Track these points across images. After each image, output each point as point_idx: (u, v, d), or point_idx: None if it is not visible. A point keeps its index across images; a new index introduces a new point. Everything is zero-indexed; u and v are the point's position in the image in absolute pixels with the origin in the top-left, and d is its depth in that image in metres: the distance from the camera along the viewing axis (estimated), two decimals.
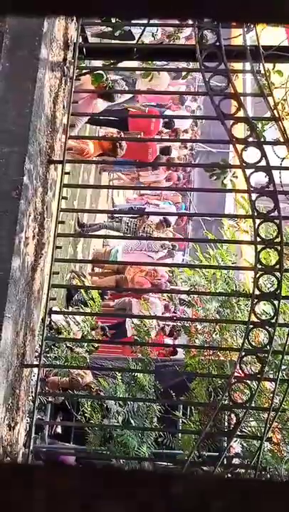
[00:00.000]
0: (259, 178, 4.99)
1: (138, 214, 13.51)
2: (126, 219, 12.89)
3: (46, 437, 8.13)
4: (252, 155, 4.87)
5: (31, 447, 4.76)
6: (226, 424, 6.06)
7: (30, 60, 4.47)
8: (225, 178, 7.01)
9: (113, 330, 10.08)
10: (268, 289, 5.30)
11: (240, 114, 4.96)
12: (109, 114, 11.25)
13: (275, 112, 5.02)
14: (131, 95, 12.40)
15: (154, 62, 7.41)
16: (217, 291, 7.17)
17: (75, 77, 5.20)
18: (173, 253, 13.96)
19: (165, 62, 8.23)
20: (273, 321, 4.85)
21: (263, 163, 4.83)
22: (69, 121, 5.09)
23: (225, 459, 5.33)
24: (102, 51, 6.31)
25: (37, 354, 5.03)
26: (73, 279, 11.17)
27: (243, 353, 4.91)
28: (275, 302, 4.86)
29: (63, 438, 8.59)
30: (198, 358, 7.02)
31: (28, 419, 4.87)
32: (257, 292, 4.90)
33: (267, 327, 4.93)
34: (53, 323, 8.13)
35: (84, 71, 6.23)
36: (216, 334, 7.12)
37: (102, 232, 12.44)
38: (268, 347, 4.87)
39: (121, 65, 6.48)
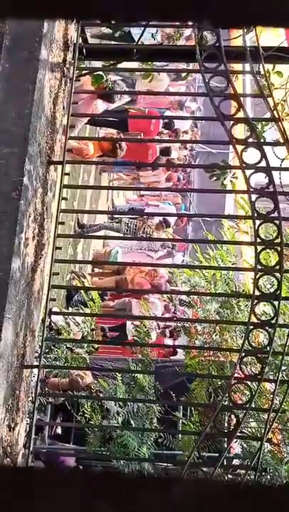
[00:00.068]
0: (259, 179, 4.99)
1: (138, 215, 13.50)
2: (126, 220, 12.89)
3: (46, 438, 8.12)
4: (252, 156, 4.87)
5: (31, 448, 4.76)
6: (226, 425, 6.05)
7: (30, 61, 4.47)
8: (225, 178, 7.02)
9: (114, 332, 10.07)
10: (268, 289, 5.30)
11: (240, 114, 4.96)
12: (109, 115, 11.26)
13: (274, 112, 5.02)
14: (129, 98, 12.43)
15: (154, 63, 7.42)
16: (217, 291, 7.16)
17: (74, 78, 5.20)
18: (173, 253, 13.96)
19: (165, 63, 8.24)
20: (273, 321, 4.85)
21: (263, 163, 4.83)
22: (69, 122, 5.09)
23: (225, 460, 5.33)
24: (102, 52, 6.31)
25: (37, 355, 5.04)
26: (73, 279, 11.17)
27: (243, 354, 4.91)
28: (275, 303, 4.86)
29: (63, 439, 8.58)
30: (198, 359, 7.02)
31: (28, 419, 4.87)
32: (257, 293, 4.90)
33: (267, 328, 4.93)
34: (52, 324, 8.12)
35: (84, 72, 6.24)
36: (216, 335, 7.11)
37: (102, 232, 12.44)
38: (267, 348, 4.87)
39: (121, 65, 6.48)
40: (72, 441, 8.34)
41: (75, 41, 5.19)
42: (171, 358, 8.61)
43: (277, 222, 4.87)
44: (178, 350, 9.07)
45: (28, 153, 4.33)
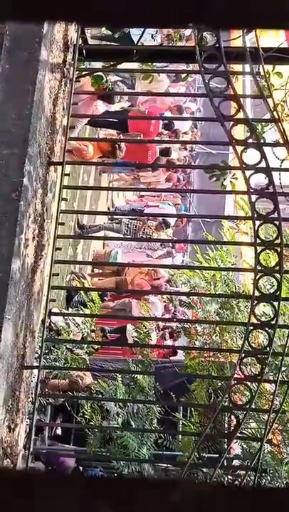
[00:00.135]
0: (259, 180, 4.99)
1: (138, 215, 13.50)
2: (126, 220, 12.91)
3: (46, 439, 8.12)
4: (252, 156, 4.87)
5: (31, 449, 4.76)
6: (226, 425, 6.06)
7: (30, 62, 4.47)
8: (225, 179, 7.02)
9: (115, 333, 10.07)
10: (268, 290, 5.30)
11: (240, 115, 4.96)
12: (109, 116, 11.26)
13: (274, 113, 5.02)
14: (129, 103, 12.45)
15: (154, 64, 7.42)
16: (217, 292, 7.16)
17: (74, 79, 5.20)
18: (172, 252, 13.97)
19: (165, 64, 8.24)
20: (273, 322, 4.85)
21: (263, 164, 4.83)
22: (69, 122, 5.09)
23: (225, 461, 5.33)
24: (102, 53, 6.31)
25: (37, 356, 5.04)
26: (73, 280, 11.17)
27: (243, 355, 4.91)
28: (275, 304, 4.86)
29: (63, 439, 8.58)
30: (198, 360, 7.03)
31: (28, 420, 4.87)
32: (257, 294, 4.90)
33: (267, 328, 4.93)
34: (52, 325, 8.12)
35: (84, 73, 6.24)
36: (215, 336, 7.12)
37: (102, 233, 12.45)
38: (267, 348, 4.87)
39: (121, 66, 6.49)
40: (72, 442, 8.34)
41: (75, 42, 5.19)
42: (171, 358, 8.60)
43: (277, 222, 4.87)
44: (178, 350, 9.07)
45: (28, 154, 4.33)
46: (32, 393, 4.90)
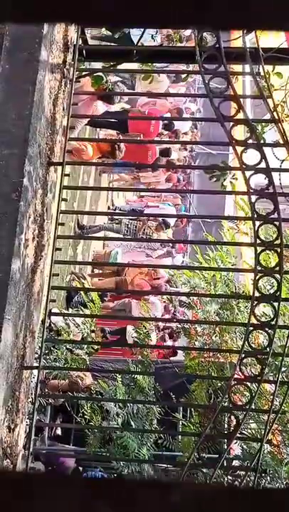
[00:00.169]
0: (259, 180, 4.99)
1: (138, 216, 13.51)
2: (126, 221, 12.91)
3: (46, 439, 8.12)
4: (252, 157, 4.87)
5: (31, 449, 4.76)
6: (226, 426, 6.06)
7: (30, 62, 4.47)
8: (225, 179, 7.02)
9: (115, 335, 10.07)
10: (268, 290, 5.30)
11: (240, 116, 4.96)
12: (109, 116, 11.27)
13: (274, 113, 5.02)
14: (129, 105, 12.45)
15: (154, 64, 7.42)
16: (217, 293, 7.16)
17: (74, 79, 5.20)
18: (172, 252, 13.98)
19: (165, 65, 8.25)
20: (273, 323, 4.85)
21: (263, 165, 4.83)
22: (69, 123, 5.09)
23: (225, 461, 5.33)
24: (102, 53, 6.32)
25: (37, 356, 5.04)
26: (73, 280, 11.17)
27: (243, 355, 4.91)
28: (275, 304, 4.86)
29: (63, 440, 8.58)
30: (198, 360, 7.02)
31: (28, 420, 4.87)
32: (257, 294, 4.90)
33: (267, 329, 4.93)
34: (52, 325, 8.12)
35: (84, 73, 6.24)
36: (215, 336, 7.11)
37: (102, 233, 12.45)
38: (267, 349, 4.87)
39: (121, 67, 6.49)
40: (72, 443, 8.34)
41: (75, 42, 5.19)
42: (171, 359, 8.60)
43: (277, 223, 4.87)
44: (178, 351, 9.07)
45: (28, 154, 4.33)
46: (32, 393, 4.90)
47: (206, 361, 6.94)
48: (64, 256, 9.05)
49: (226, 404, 5.12)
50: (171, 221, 14.16)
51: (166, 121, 12.91)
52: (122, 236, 12.52)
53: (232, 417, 5.47)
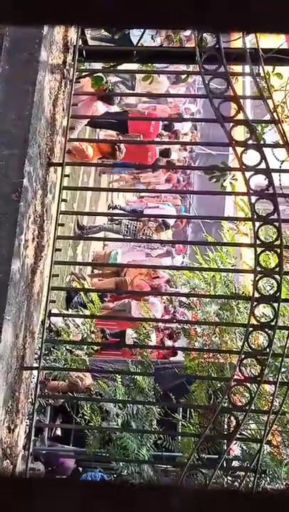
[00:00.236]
0: (259, 181, 4.99)
1: (138, 216, 13.51)
2: (126, 221, 12.91)
3: (46, 439, 8.12)
4: (251, 157, 4.87)
5: (31, 450, 4.75)
6: (226, 426, 6.05)
7: (30, 63, 4.47)
8: (224, 180, 7.02)
9: (115, 338, 10.06)
10: (268, 291, 5.30)
11: (240, 116, 4.96)
12: (109, 117, 11.27)
13: (274, 114, 5.02)
14: (128, 108, 12.47)
15: (154, 64, 7.42)
16: (217, 293, 7.16)
17: (74, 80, 5.20)
18: (172, 252, 13.98)
19: (165, 65, 8.25)
20: (273, 323, 4.85)
21: (263, 165, 4.83)
22: (69, 123, 5.09)
23: (224, 462, 5.33)
24: (102, 54, 6.32)
25: (36, 356, 5.03)
26: (73, 281, 11.17)
27: (243, 356, 4.91)
28: (275, 305, 4.86)
29: (63, 440, 8.58)
30: (197, 361, 7.02)
31: (28, 421, 4.87)
32: (256, 295, 4.89)
33: (266, 330, 4.93)
34: (52, 326, 8.12)
35: (84, 74, 6.24)
36: (215, 337, 7.11)
37: (102, 234, 12.45)
38: (267, 350, 4.87)
39: (121, 67, 6.48)
40: (72, 443, 8.34)
41: (74, 43, 5.19)
42: (171, 359, 8.60)
43: (276, 224, 4.87)
44: (177, 351, 9.07)
45: (28, 154, 4.33)
46: (32, 394, 4.90)
47: (206, 362, 6.94)
48: (64, 256, 9.05)
49: (225, 404, 5.12)
50: (171, 221, 14.17)
51: (166, 122, 12.92)
52: (121, 237, 12.52)
53: (232, 418, 5.47)
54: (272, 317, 4.91)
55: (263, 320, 5.12)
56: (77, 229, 11.88)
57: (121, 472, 6.33)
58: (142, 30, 6.73)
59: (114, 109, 11.39)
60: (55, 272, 5.03)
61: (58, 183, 5.01)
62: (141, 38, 6.73)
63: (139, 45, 6.92)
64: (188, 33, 10.51)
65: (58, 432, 8.78)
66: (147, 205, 14.88)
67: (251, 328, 4.98)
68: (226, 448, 5.14)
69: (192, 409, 6.93)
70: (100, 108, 10.09)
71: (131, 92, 12.30)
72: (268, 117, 5.26)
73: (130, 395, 6.78)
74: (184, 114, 15.36)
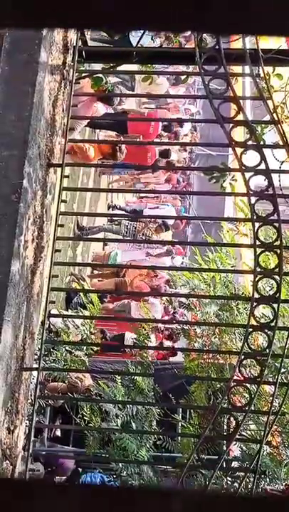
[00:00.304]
0: (258, 182, 4.99)
1: (138, 217, 13.51)
2: (125, 222, 12.91)
3: (45, 440, 8.12)
4: (251, 158, 4.87)
5: (30, 450, 4.75)
6: (225, 427, 6.05)
7: (30, 64, 4.48)
8: (224, 181, 7.01)
9: (115, 341, 10.04)
10: (268, 292, 5.30)
11: (240, 117, 4.96)
12: (109, 118, 11.27)
13: (274, 115, 5.02)
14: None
15: (154, 65, 7.42)
16: (216, 294, 7.16)
17: (74, 81, 5.20)
18: (172, 251, 13.97)
19: (164, 66, 8.25)
20: (273, 324, 4.85)
21: (263, 166, 4.83)
22: (68, 124, 5.09)
23: (224, 463, 5.33)
24: (101, 54, 6.31)
25: (36, 357, 5.03)
26: (72, 282, 11.17)
27: (243, 357, 4.91)
28: (275, 305, 4.86)
29: (62, 441, 8.57)
30: (197, 362, 7.02)
31: (28, 422, 4.87)
32: (256, 295, 4.89)
33: (266, 330, 4.93)
34: (52, 327, 8.11)
35: (83, 74, 6.24)
36: (215, 337, 7.11)
37: (102, 235, 12.45)
38: (267, 350, 4.87)
39: (120, 68, 6.48)
40: (72, 444, 8.34)
41: (74, 44, 5.19)
42: (171, 360, 8.60)
43: (276, 224, 4.87)
44: (177, 352, 9.07)
45: (28, 155, 4.33)
46: (31, 395, 4.90)
47: (206, 362, 6.94)
48: (63, 257, 9.06)
49: (225, 405, 5.12)
50: (170, 222, 14.17)
51: (165, 123, 12.92)
52: (121, 237, 12.52)
53: (231, 419, 5.47)
54: (271, 318, 4.91)
55: (262, 321, 5.12)
56: (76, 230, 11.88)
57: (120, 473, 6.33)
58: (142, 31, 6.73)
59: (114, 110, 11.39)
60: (54, 272, 5.03)
61: (57, 183, 5.01)
62: (140, 38, 6.73)
63: (138, 46, 6.92)
64: (187, 33, 10.51)
65: (58, 433, 8.77)
66: (147, 205, 14.88)
67: (251, 329, 4.98)
68: (225, 449, 5.14)
69: (192, 410, 6.93)
70: (100, 109, 10.09)
71: (130, 92, 12.30)
72: (267, 118, 5.26)
73: (130, 395, 6.78)
74: (184, 115, 15.37)
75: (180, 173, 16.27)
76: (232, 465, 6.51)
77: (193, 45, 4.96)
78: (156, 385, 6.90)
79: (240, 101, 5.03)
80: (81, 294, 9.69)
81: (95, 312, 8.08)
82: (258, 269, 4.89)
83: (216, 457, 5.21)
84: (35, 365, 4.88)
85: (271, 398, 5.08)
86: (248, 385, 5.19)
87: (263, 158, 4.81)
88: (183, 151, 16.56)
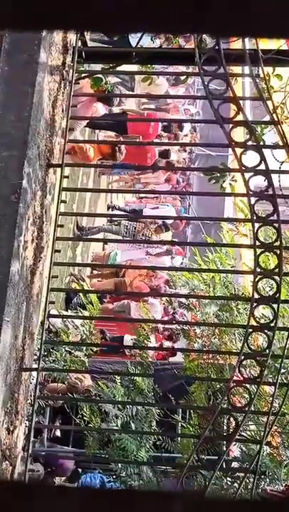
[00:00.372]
0: (258, 182, 4.99)
1: (138, 217, 13.50)
2: (125, 222, 12.91)
3: (45, 441, 8.12)
4: (251, 158, 4.87)
5: (30, 451, 4.75)
6: (225, 428, 6.05)
7: (30, 64, 4.48)
8: (224, 181, 7.01)
9: (115, 342, 10.04)
10: (267, 292, 5.30)
11: (240, 117, 4.96)
12: (108, 118, 11.27)
13: (274, 115, 5.02)
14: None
15: (153, 66, 7.42)
16: (216, 294, 7.16)
17: (74, 81, 5.20)
18: (171, 251, 13.98)
19: (164, 66, 8.24)
20: (272, 324, 4.85)
21: (262, 166, 4.83)
22: (68, 124, 5.09)
23: (224, 463, 5.32)
24: (101, 55, 6.32)
25: (36, 357, 5.03)
26: (72, 282, 11.17)
27: (243, 357, 4.90)
28: (274, 306, 4.86)
29: (62, 441, 8.57)
30: (197, 362, 7.01)
31: (27, 422, 4.87)
32: (256, 296, 4.89)
33: (266, 331, 4.92)
34: (51, 327, 8.11)
35: (83, 75, 6.24)
36: (215, 338, 7.11)
37: (101, 235, 12.45)
38: (267, 351, 4.87)
39: (120, 68, 6.48)
40: (71, 444, 8.34)
41: (74, 44, 5.19)
42: (170, 360, 8.60)
43: (276, 225, 4.87)
44: (177, 352, 9.06)
45: (28, 156, 4.33)
46: (31, 395, 4.89)
47: (206, 363, 6.93)
48: (63, 257, 9.06)
49: (225, 406, 5.12)
50: (170, 221, 14.17)
51: (165, 123, 12.92)
52: (121, 238, 12.52)
53: (231, 419, 5.47)
54: (271, 318, 4.90)
55: (262, 321, 5.13)
56: (76, 230, 11.88)
57: (120, 473, 6.33)
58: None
59: (114, 110, 11.39)
60: (54, 273, 5.03)
61: (57, 184, 5.01)
62: (140, 39, 6.73)
63: (138, 46, 6.92)
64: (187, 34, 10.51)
65: (58, 433, 8.77)
66: (147, 205, 14.88)
67: (251, 330, 4.97)
68: (225, 449, 5.13)
69: (191, 411, 6.93)
70: (100, 109, 10.09)
71: (130, 93, 12.30)
72: (267, 118, 5.26)
73: (129, 396, 6.77)
74: (184, 115, 15.37)
75: (180, 173, 16.27)
76: (232, 465, 6.51)
77: (193, 46, 4.96)
78: (156, 386, 6.90)
79: (240, 101, 5.03)
80: (81, 294, 9.70)
81: (94, 312, 8.08)
82: (258, 270, 4.89)
83: (216, 458, 5.21)
84: (34, 366, 4.88)
85: (271, 399, 5.08)
86: (247, 386, 5.19)
87: (263, 158, 4.81)
88: (183, 152, 16.56)
